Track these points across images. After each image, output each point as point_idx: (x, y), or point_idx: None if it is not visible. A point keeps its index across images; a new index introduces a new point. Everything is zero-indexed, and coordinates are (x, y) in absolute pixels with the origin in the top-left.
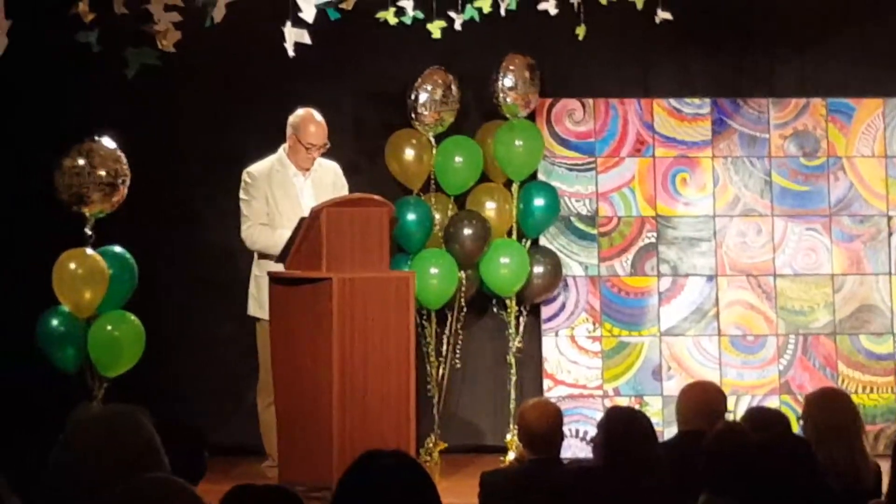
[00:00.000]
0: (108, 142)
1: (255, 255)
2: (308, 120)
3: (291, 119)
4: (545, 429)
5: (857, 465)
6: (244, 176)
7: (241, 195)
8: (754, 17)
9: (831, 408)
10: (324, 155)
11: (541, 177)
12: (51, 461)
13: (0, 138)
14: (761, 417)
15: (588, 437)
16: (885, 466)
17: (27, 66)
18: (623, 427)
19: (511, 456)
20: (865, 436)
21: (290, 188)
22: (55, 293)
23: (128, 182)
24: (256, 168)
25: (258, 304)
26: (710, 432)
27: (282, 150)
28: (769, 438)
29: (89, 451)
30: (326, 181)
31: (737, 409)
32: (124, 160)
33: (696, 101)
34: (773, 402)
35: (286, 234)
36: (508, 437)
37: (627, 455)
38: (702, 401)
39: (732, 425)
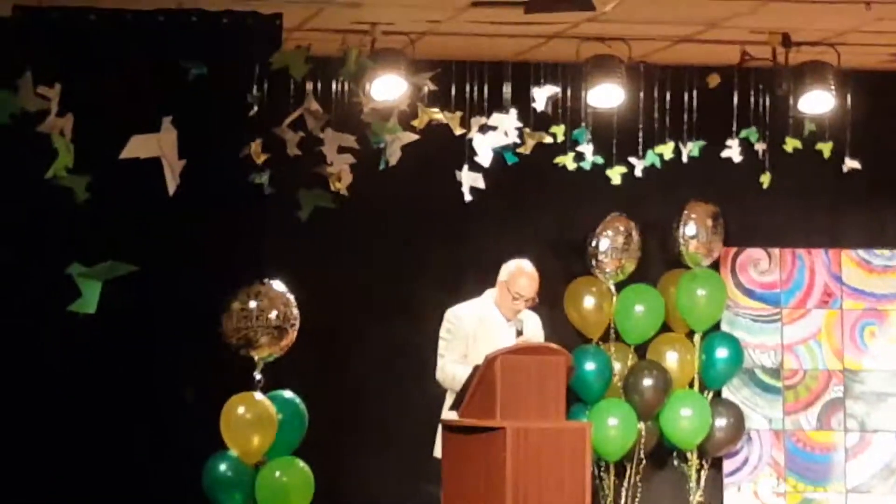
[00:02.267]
0: (278, 284)
1: (448, 397)
2: (521, 271)
3: (504, 267)
4: None
5: None
6: (449, 315)
7: (443, 334)
8: None
9: None
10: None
11: (724, 327)
12: None
13: (171, 279)
14: None
15: None
16: None
17: (200, 207)
18: None
19: None
20: None
21: (494, 333)
22: (223, 438)
23: (297, 325)
24: (464, 310)
25: None
26: None
27: (487, 295)
28: None
29: None
30: (526, 326)
31: None
32: (294, 303)
33: (887, 252)
34: None
35: None
36: None
37: None
38: None
39: None
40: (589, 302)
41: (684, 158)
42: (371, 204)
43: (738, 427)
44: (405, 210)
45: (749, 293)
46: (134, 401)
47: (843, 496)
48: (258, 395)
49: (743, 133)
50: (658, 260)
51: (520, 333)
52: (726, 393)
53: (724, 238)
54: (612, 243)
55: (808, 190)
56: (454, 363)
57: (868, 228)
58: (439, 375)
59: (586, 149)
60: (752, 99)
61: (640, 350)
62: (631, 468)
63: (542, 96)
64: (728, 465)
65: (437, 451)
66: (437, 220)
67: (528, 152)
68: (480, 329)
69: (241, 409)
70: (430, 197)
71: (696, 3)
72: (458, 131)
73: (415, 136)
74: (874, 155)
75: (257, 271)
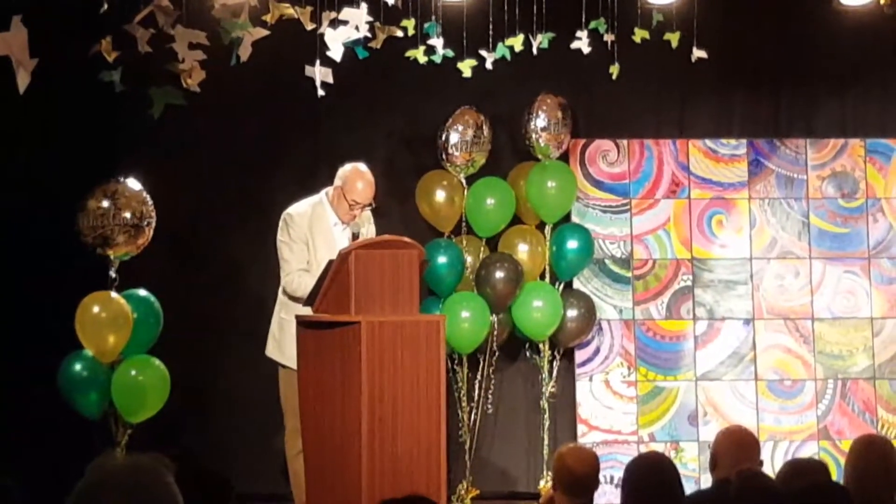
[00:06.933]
0: (133, 183)
1: (281, 297)
2: (356, 176)
3: (341, 172)
4: (585, 474)
5: None
6: (285, 217)
7: (281, 237)
8: (792, 56)
9: (870, 455)
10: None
11: (574, 219)
12: None
13: (23, 179)
14: (800, 467)
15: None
16: None
17: (50, 106)
18: (647, 475)
19: None
20: None
21: (328, 235)
22: (78, 337)
23: (153, 224)
24: (297, 210)
25: (278, 347)
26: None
27: (324, 195)
28: (805, 486)
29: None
30: (362, 231)
31: (774, 456)
32: (150, 202)
33: (733, 141)
34: (811, 448)
35: None
36: (542, 483)
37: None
38: (734, 448)
39: (754, 473)
40: (440, 195)
41: (534, 51)
42: (223, 101)
43: (589, 317)
44: (257, 106)
45: (598, 184)
46: None
47: (692, 383)
48: (113, 294)
49: (592, 24)
50: (509, 153)
51: (356, 237)
52: (577, 284)
53: (573, 129)
54: (462, 136)
55: (657, 80)
56: (300, 272)
57: (715, 118)
58: (289, 285)
59: (437, 42)
60: None
61: (492, 243)
62: (484, 360)
63: None
64: (580, 356)
65: (268, 349)
66: (289, 116)
67: (378, 46)
68: (316, 231)
69: (95, 308)
70: (283, 93)
71: None
72: (309, 26)
73: (265, 32)
74: (721, 45)
75: (111, 170)
